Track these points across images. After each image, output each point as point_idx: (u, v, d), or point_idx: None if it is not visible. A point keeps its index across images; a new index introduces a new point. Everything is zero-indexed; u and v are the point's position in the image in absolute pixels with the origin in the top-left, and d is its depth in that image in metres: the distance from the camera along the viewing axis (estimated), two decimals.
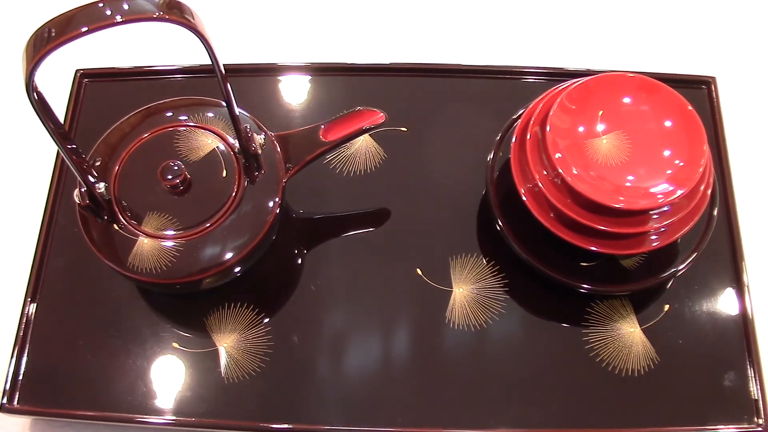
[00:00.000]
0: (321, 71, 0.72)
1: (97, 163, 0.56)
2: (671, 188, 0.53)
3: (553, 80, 0.70)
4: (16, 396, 0.58)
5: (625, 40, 0.78)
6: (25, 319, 0.61)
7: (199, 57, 0.70)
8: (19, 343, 0.60)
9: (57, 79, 0.71)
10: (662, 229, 0.55)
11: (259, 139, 0.57)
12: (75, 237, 0.62)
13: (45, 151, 0.71)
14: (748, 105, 0.74)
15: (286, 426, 0.57)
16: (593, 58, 0.76)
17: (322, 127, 0.59)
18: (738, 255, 0.63)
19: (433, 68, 0.72)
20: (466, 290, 0.62)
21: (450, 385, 0.59)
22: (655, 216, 0.54)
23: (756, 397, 0.58)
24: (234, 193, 0.56)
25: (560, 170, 0.53)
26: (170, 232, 0.54)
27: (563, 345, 0.60)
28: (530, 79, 0.72)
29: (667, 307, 0.62)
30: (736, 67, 0.76)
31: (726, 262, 0.63)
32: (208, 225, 0.55)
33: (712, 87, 0.70)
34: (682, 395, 0.58)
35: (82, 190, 0.53)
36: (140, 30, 0.78)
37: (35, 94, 0.42)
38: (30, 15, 0.80)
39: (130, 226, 0.54)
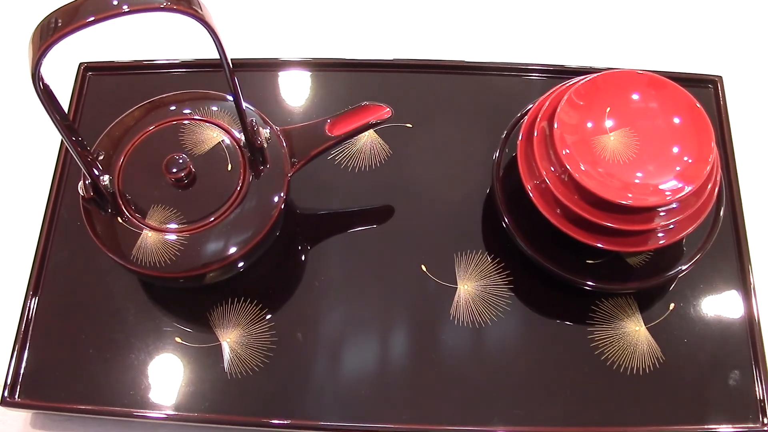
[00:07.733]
0: (326, 67, 0.72)
1: (101, 157, 0.56)
2: (680, 185, 0.52)
3: (560, 77, 0.69)
4: (17, 390, 0.58)
5: (631, 38, 0.78)
6: (26, 312, 0.61)
7: (203, 51, 0.70)
8: (21, 337, 0.60)
9: (60, 73, 0.71)
10: (669, 227, 0.55)
11: (265, 133, 0.56)
12: (77, 230, 0.62)
13: (48, 143, 0.70)
14: (754, 104, 0.73)
15: (289, 422, 0.57)
16: (599, 56, 0.76)
17: (328, 121, 0.59)
18: (744, 253, 0.63)
19: (439, 65, 0.72)
20: (470, 287, 0.62)
21: (454, 382, 0.59)
22: (662, 213, 0.54)
23: (761, 397, 0.58)
24: (239, 188, 0.55)
25: (568, 166, 0.53)
26: (174, 226, 0.54)
27: (568, 343, 0.60)
28: (536, 76, 0.71)
29: (672, 305, 0.61)
30: (742, 67, 0.75)
31: (732, 260, 0.63)
32: (212, 219, 0.54)
33: (719, 86, 0.70)
34: (687, 394, 0.58)
35: (87, 182, 0.52)
36: (144, 23, 0.78)
37: (41, 84, 0.42)
38: (35, 5, 0.80)
39: (134, 219, 0.54)
